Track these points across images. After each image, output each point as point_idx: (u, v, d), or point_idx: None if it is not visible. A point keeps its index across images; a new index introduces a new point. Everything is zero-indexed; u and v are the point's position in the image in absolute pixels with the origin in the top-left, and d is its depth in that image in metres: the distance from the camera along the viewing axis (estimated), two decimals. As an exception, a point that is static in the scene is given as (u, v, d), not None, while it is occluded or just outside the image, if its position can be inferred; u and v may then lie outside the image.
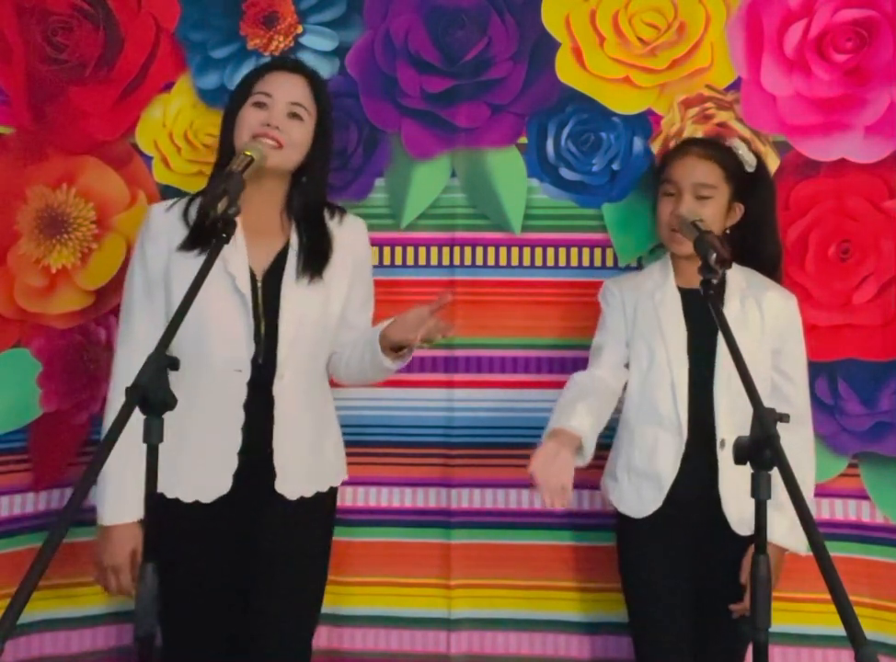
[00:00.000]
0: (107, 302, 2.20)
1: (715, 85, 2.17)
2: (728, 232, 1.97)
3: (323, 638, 2.12)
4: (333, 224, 1.87)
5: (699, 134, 2.14)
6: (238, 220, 1.74)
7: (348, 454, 1.96)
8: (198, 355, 1.74)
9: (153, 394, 1.19)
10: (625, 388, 1.94)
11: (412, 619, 2.20)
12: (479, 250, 2.22)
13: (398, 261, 2.21)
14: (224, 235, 1.48)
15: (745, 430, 1.23)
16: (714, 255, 1.57)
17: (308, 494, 1.81)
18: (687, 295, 1.91)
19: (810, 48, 2.14)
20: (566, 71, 2.19)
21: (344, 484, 1.95)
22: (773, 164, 2.13)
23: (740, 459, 1.23)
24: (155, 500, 1.28)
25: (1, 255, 2.15)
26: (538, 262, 2.21)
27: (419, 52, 2.21)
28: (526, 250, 2.21)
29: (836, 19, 2.14)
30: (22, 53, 2.20)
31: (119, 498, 1.72)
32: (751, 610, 1.24)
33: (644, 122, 2.18)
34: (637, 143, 2.18)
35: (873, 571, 2.09)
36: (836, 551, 1.96)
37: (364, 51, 2.22)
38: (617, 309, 1.97)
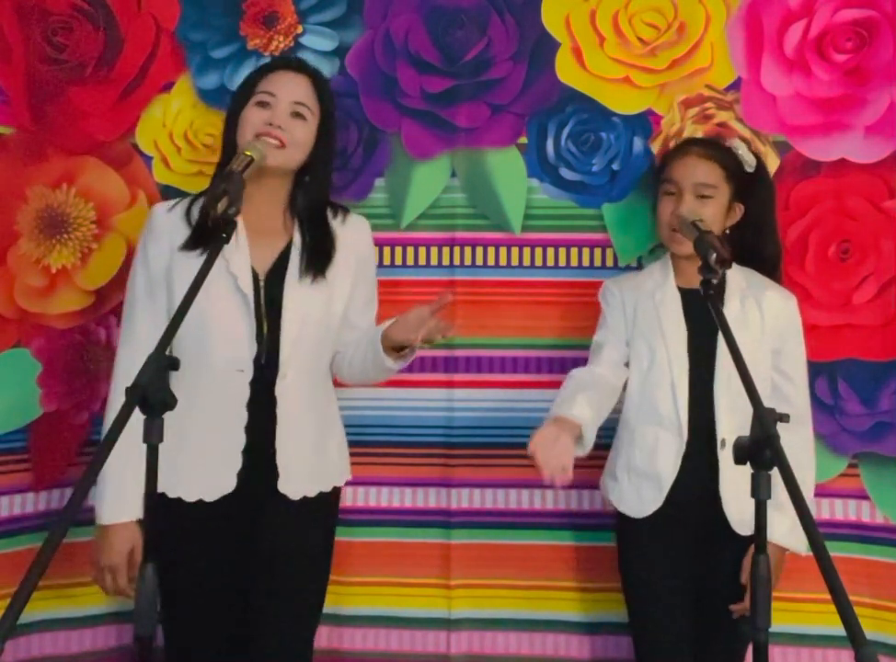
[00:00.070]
0: (107, 302, 2.20)
1: (715, 85, 2.17)
2: (728, 232, 1.97)
3: (323, 638, 2.11)
4: (336, 224, 1.87)
5: (699, 134, 2.14)
6: (241, 219, 1.76)
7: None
8: (200, 355, 1.75)
9: (153, 394, 1.19)
10: (624, 387, 1.94)
11: (412, 619, 2.20)
12: (479, 250, 2.22)
13: (398, 261, 2.21)
14: (224, 235, 1.48)
15: (745, 430, 1.23)
16: (714, 255, 1.57)
17: (311, 494, 1.81)
18: (687, 295, 1.91)
19: (810, 48, 2.14)
20: (566, 71, 2.19)
21: (345, 484, 1.95)
22: (773, 164, 2.13)
23: (740, 459, 1.23)
24: (154, 500, 1.28)
25: (1, 255, 2.15)
26: (538, 262, 2.21)
27: (419, 52, 2.21)
28: (526, 250, 2.21)
29: (836, 19, 2.14)
30: (22, 53, 2.20)
31: (117, 498, 1.72)
32: (751, 610, 1.24)
33: (644, 122, 2.18)
34: (637, 143, 2.18)
35: (873, 571, 2.09)
36: (836, 551, 1.96)
37: (364, 51, 2.22)
38: (617, 308, 1.97)
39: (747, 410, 1.26)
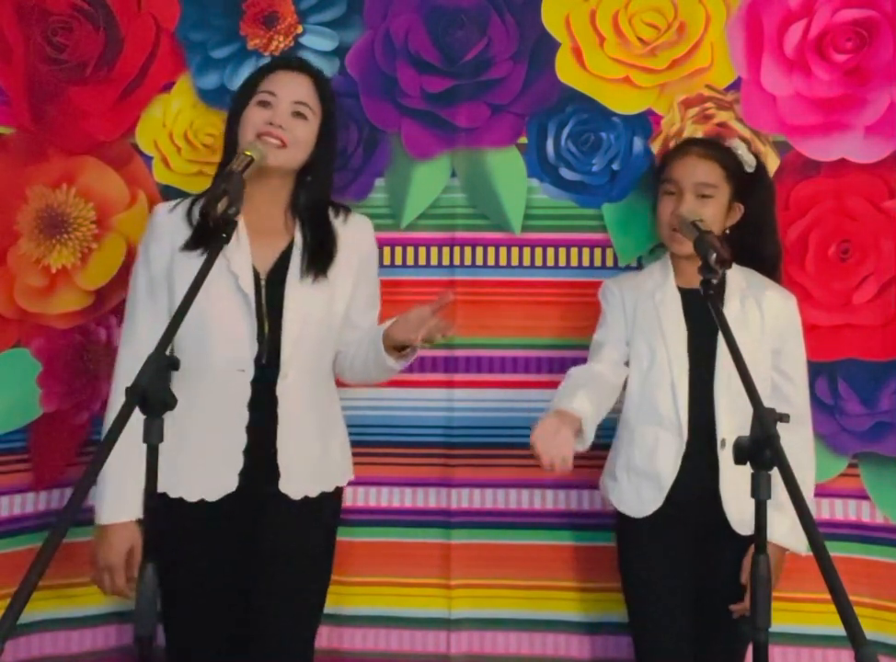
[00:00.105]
0: (107, 302, 2.20)
1: (715, 85, 2.17)
2: (727, 232, 1.97)
3: (323, 638, 2.11)
4: (338, 223, 1.87)
5: (699, 134, 2.14)
6: (242, 219, 1.76)
7: (348, 454, 1.96)
8: (201, 355, 1.75)
9: (153, 394, 1.19)
10: (624, 387, 1.94)
11: (412, 619, 2.20)
12: (479, 250, 2.22)
13: (398, 261, 2.21)
14: (224, 235, 1.48)
15: (745, 430, 1.23)
16: (714, 255, 1.57)
17: (313, 494, 1.80)
18: (687, 295, 1.91)
19: (810, 48, 2.14)
20: (566, 71, 2.19)
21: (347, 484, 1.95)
22: (773, 164, 2.13)
23: (740, 459, 1.23)
24: (154, 500, 1.28)
25: (1, 255, 2.15)
26: (538, 262, 2.21)
27: (419, 52, 2.21)
28: (526, 250, 2.21)
29: (836, 19, 2.14)
30: (22, 53, 2.20)
31: (117, 498, 1.72)
32: (751, 610, 1.24)
33: (644, 122, 2.18)
34: (637, 143, 2.18)
35: (873, 571, 2.09)
36: (836, 551, 1.96)
37: (364, 51, 2.22)
38: (617, 307, 1.97)
39: (747, 410, 1.26)
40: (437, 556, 2.19)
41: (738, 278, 1.92)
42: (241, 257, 1.76)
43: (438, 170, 2.22)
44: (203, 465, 1.75)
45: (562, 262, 2.21)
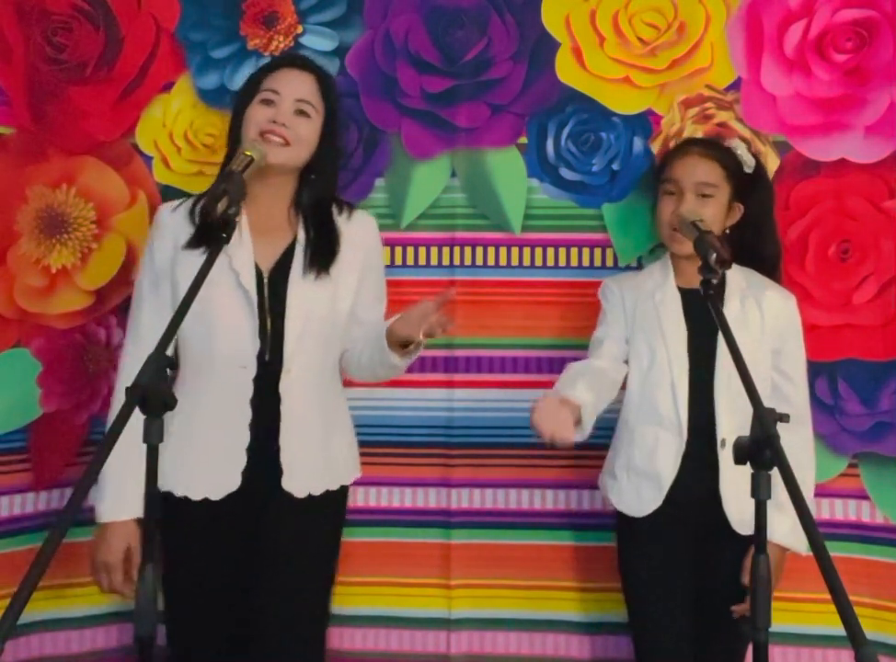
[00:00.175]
0: (107, 302, 2.20)
1: (715, 85, 2.17)
2: (727, 232, 1.97)
3: (323, 638, 2.12)
4: (341, 220, 1.87)
5: (699, 134, 2.14)
6: (245, 217, 1.77)
7: (348, 454, 1.96)
8: (204, 352, 1.76)
9: (153, 394, 1.19)
10: (624, 386, 1.94)
11: (412, 619, 2.20)
12: (479, 250, 2.22)
13: (398, 261, 2.21)
14: (224, 235, 1.48)
15: (745, 430, 1.23)
16: (714, 255, 1.57)
17: (317, 492, 1.80)
18: (687, 295, 1.91)
19: (810, 48, 2.14)
20: (566, 71, 2.19)
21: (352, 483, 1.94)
22: (773, 164, 2.13)
23: (740, 459, 1.23)
24: (154, 500, 1.27)
25: (1, 255, 2.15)
26: (538, 262, 2.21)
27: (419, 52, 2.21)
28: (526, 250, 2.21)
29: (836, 19, 2.14)
30: (22, 53, 2.20)
31: (116, 496, 1.72)
32: (751, 610, 1.24)
33: (644, 122, 2.18)
34: (637, 143, 2.18)
35: (873, 571, 2.09)
36: (836, 551, 1.96)
37: (364, 51, 2.22)
38: (617, 306, 1.97)
39: (747, 410, 1.26)
40: (437, 556, 2.19)
41: (738, 278, 1.92)
42: (243, 255, 1.77)
43: (438, 170, 2.22)
44: (207, 463, 1.75)
45: (562, 262, 2.21)
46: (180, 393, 1.77)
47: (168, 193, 2.16)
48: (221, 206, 1.49)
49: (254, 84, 1.83)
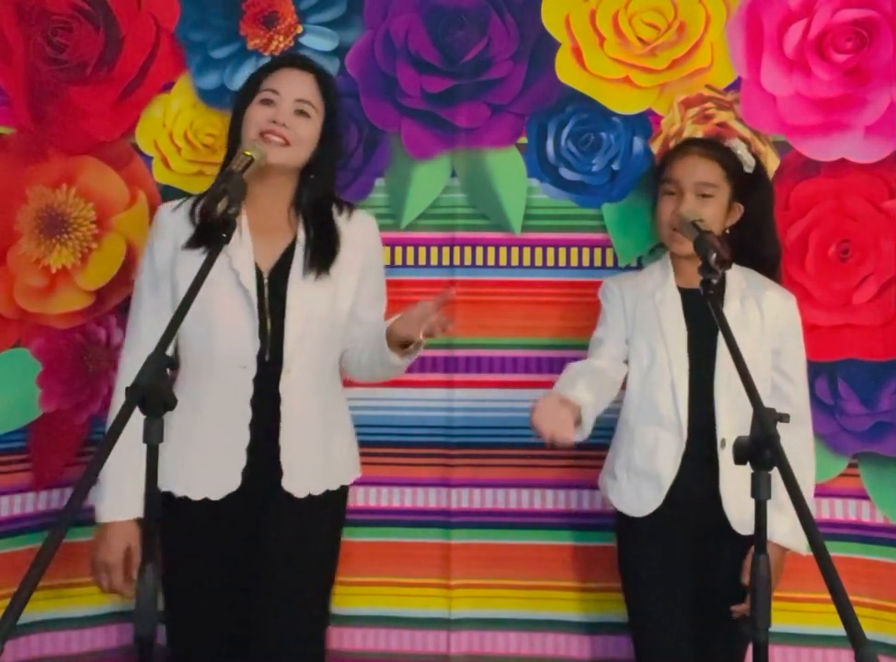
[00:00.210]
0: (107, 302, 2.20)
1: (715, 85, 2.17)
2: (727, 232, 1.97)
3: (323, 638, 2.12)
4: (341, 220, 1.87)
5: (699, 134, 2.14)
6: (245, 217, 1.77)
7: (348, 454, 1.96)
8: (204, 352, 1.76)
9: (152, 394, 1.19)
10: (623, 386, 1.94)
11: (412, 619, 2.20)
12: (479, 250, 2.22)
13: (398, 261, 2.21)
14: (224, 236, 1.48)
15: (745, 430, 1.23)
16: (714, 255, 1.57)
17: (317, 492, 1.80)
18: (687, 295, 1.91)
19: (810, 48, 2.14)
20: (566, 71, 2.19)
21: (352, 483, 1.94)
22: (773, 164, 2.13)
23: (740, 459, 1.23)
24: (154, 500, 1.27)
25: (1, 255, 2.15)
26: (538, 262, 2.21)
27: (419, 52, 2.21)
28: (526, 250, 2.21)
29: (836, 19, 2.14)
30: (22, 53, 2.20)
31: (116, 496, 1.72)
32: (751, 610, 1.24)
33: (644, 122, 2.18)
34: (637, 143, 2.18)
35: (873, 571, 2.09)
36: (836, 551, 1.96)
37: (364, 51, 2.22)
38: (617, 306, 1.97)
39: (747, 410, 1.26)
40: (437, 556, 2.19)
41: (738, 278, 1.92)
42: (243, 255, 1.77)
43: (438, 170, 2.22)
44: (207, 463, 1.75)
45: (562, 262, 2.21)
46: (181, 393, 1.77)
47: (168, 193, 2.16)
48: (221, 206, 1.49)
49: (254, 84, 1.83)
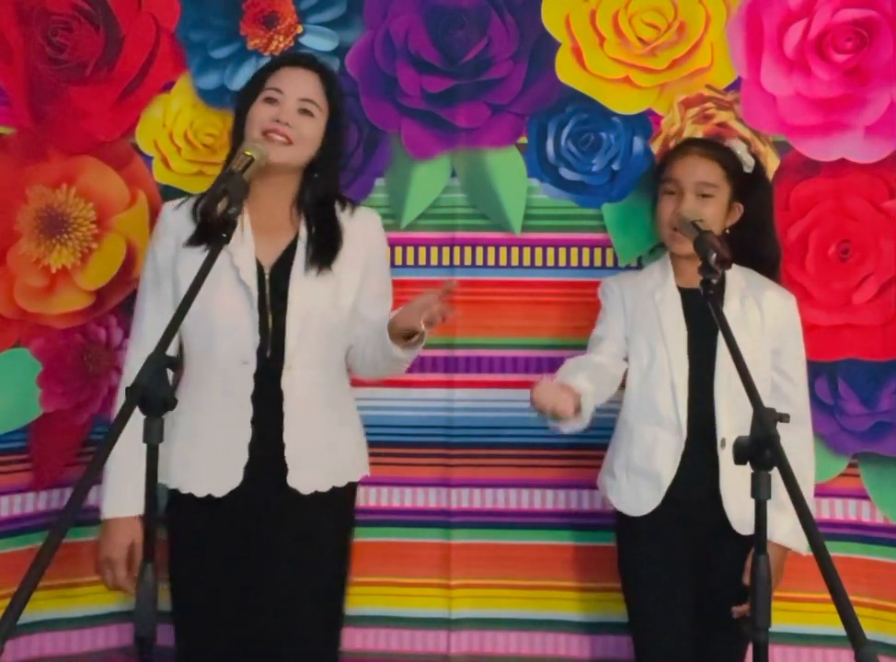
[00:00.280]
0: (107, 302, 2.20)
1: (715, 85, 2.17)
2: (727, 231, 1.97)
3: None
4: (344, 216, 1.86)
5: (699, 134, 2.14)
6: (248, 214, 1.78)
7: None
8: (206, 349, 1.76)
9: (152, 394, 1.19)
10: (622, 386, 1.94)
11: (412, 619, 2.20)
12: (479, 250, 2.22)
13: (398, 261, 2.21)
14: (224, 235, 1.49)
15: (745, 430, 1.23)
16: (714, 255, 1.57)
17: (323, 488, 1.79)
18: (687, 295, 1.91)
19: (810, 48, 2.14)
20: (566, 71, 2.19)
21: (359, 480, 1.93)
22: (773, 164, 2.13)
23: (740, 459, 1.23)
24: (154, 499, 1.27)
25: (1, 255, 2.15)
26: (538, 262, 2.21)
27: (419, 52, 2.21)
28: (526, 250, 2.21)
29: (836, 19, 2.14)
30: (22, 53, 2.20)
31: (119, 492, 1.72)
32: (751, 610, 1.24)
33: (644, 122, 2.18)
34: (637, 143, 2.18)
35: (873, 571, 2.09)
36: (836, 551, 1.96)
37: (364, 51, 2.22)
38: (617, 304, 1.97)
39: (747, 410, 1.26)
40: (437, 556, 2.19)
41: (737, 278, 1.92)
42: (244, 252, 1.77)
43: (438, 170, 2.22)
44: (210, 460, 1.75)
45: (562, 262, 2.21)
46: (185, 390, 1.79)
47: (168, 193, 2.16)
48: (221, 206, 1.49)
49: (258, 82, 1.83)
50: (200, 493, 1.75)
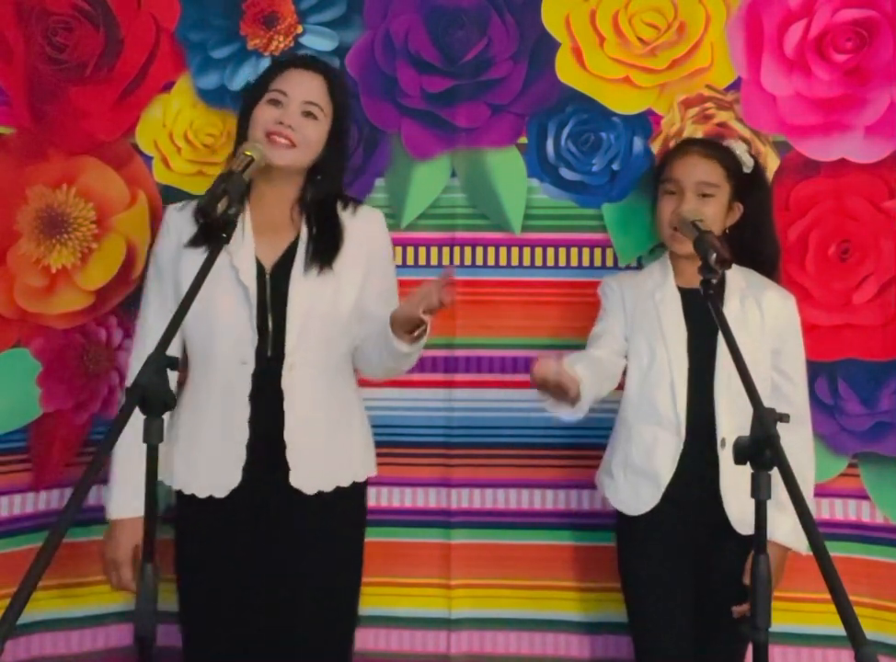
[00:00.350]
0: (107, 302, 2.20)
1: (715, 85, 2.17)
2: (727, 231, 1.97)
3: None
4: (346, 216, 1.85)
5: (699, 134, 2.14)
6: (249, 214, 1.78)
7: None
8: (206, 350, 1.77)
9: (152, 394, 1.19)
10: (621, 386, 1.94)
11: (412, 619, 2.20)
12: (479, 250, 2.22)
13: (398, 261, 2.20)
14: (224, 235, 1.49)
15: (745, 430, 1.23)
16: (714, 255, 1.56)
17: (327, 488, 1.79)
18: (687, 295, 1.91)
19: (810, 48, 2.14)
20: (566, 71, 2.19)
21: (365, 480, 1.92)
22: (773, 164, 2.13)
23: (740, 459, 1.23)
24: (154, 500, 1.27)
25: (1, 255, 2.15)
26: (538, 262, 2.21)
27: (419, 52, 2.21)
28: (526, 250, 2.21)
29: (836, 19, 2.14)
30: (22, 53, 2.20)
31: (124, 493, 1.73)
32: (750, 610, 1.24)
33: (644, 122, 2.18)
34: (637, 143, 2.18)
35: (873, 571, 2.09)
36: (836, 551, 1.96)
37: (364, 51, 2.22)
38: (617, 303, 1.97)
39: (747, 410, 1.26)
40: (437, 556, 2.19)
41: (737, 278, 1.92)
42: (244, 252, 1.77)
43: (438, 170, 2.22)
44: (209, 461, 1.75)
45: (562, 262, 2.21)
46: (187, 391, 1.79)
47: (168, 193, 2.17)
48: (221, 206, 1.49)
49: (262, 83, 1.82)
50: (202, 493, 1.75)
